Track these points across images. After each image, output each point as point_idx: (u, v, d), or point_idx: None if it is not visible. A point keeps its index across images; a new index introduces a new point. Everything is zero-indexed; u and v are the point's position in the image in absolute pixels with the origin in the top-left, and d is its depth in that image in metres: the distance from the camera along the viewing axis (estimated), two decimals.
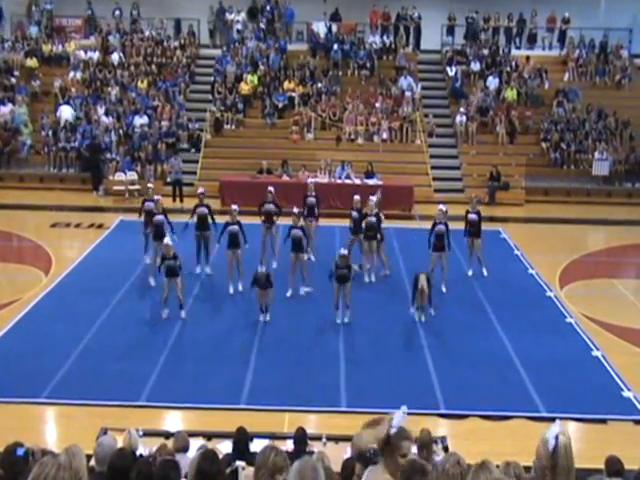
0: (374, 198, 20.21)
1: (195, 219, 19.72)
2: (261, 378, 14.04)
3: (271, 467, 4.93)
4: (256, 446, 9.88)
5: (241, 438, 9.52)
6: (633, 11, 36.60)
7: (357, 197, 20.34)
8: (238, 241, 18.37)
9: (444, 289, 18.89)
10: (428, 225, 19.67)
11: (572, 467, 5.19)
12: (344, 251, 17.23)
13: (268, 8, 36.31)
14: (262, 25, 36.06)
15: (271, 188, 20.79)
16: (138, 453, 7.77)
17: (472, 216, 20.07)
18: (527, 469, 5.60)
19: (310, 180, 22.34)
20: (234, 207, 18.66)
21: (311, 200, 21.30)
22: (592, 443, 11.93)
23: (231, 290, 18.46)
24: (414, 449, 9.59)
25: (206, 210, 19.53)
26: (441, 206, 19.53)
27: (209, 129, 31.34)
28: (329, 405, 13.10)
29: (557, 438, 5.15)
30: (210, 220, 19.46)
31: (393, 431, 5.29)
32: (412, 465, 5.01)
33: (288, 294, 18.31)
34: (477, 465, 4.98)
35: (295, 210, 18.86)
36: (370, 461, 5.53)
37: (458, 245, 22.28)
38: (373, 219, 19.54)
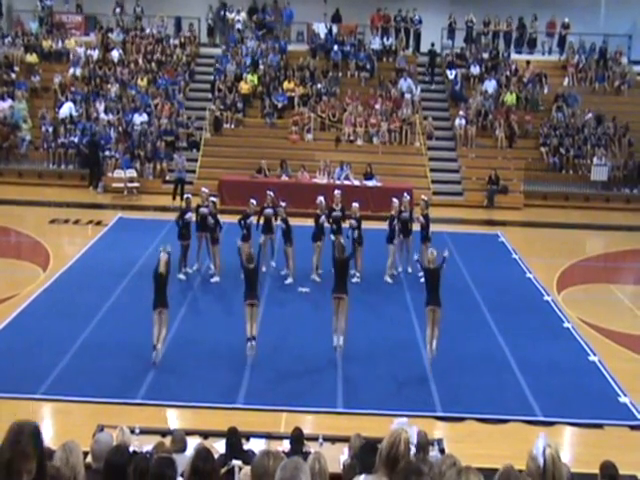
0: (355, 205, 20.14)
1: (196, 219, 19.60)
2: (258, 377, 14.04)
3: (272, 473, 4.91)
4: (252, 445, 9.89)
5: (232, 437, 9.50)
6: (633, 17, 36.73)
7: (355, 204, 19.84)
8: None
9: (410, 270, 20.30)
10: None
11: (562, 476, 5.19)
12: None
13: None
14: (255, 23, 36.24)
15: (270, 192, 20.33)
16: (131, 450, 7.76)
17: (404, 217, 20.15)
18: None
19: (337, 191, 20.85)
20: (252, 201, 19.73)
21: (337, 215, 19.82)
22: (588, 448, 11.99)
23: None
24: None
25: (207, 210, 19.45)
26: (405, 194, 20.86)
27: (209, 128, 31.35)
28: (326, 406, 13.11)
29: (544, 453, 5.14)
30: (212, 220, 19.36)
31: (413, 451, 5.20)
32: (408, 466, 5.00)
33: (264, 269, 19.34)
34: (464, 467, 4.96)
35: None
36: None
37: (457, 249, 22.35)
38: (407, 215, 20.06)
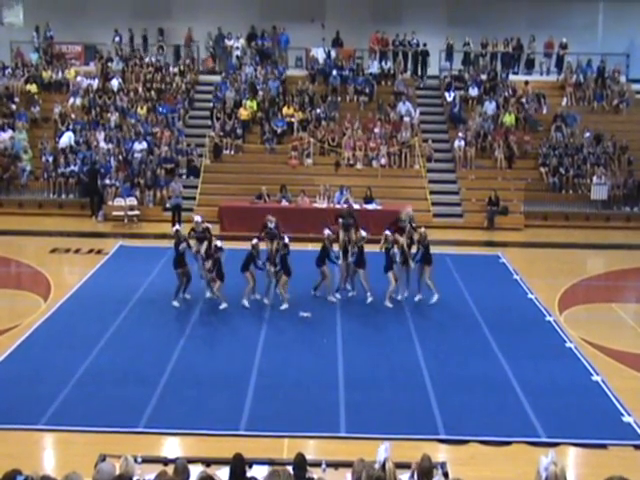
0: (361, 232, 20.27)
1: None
2: (260, 404, 13.98)
3: None
4: (255, 472, 9.83)
5: (237, 464, 9.44)
6: (630, 36, 36.88)
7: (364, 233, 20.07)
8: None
9: (407, 294, 20.18)
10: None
11: None
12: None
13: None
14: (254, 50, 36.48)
15: (272, 218, 20.26)
16: (134, 479, 7.73)
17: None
18: None
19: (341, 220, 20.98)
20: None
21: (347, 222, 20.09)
22: (592, 468, 11.90)
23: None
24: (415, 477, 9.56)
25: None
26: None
27: (208, 154, 31.43)
28: (328, 431, 13.04)
29: (547, 469, 5.16)
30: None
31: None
32: None
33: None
34: None
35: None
36: None
37: (458, 271, 22.36)
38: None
